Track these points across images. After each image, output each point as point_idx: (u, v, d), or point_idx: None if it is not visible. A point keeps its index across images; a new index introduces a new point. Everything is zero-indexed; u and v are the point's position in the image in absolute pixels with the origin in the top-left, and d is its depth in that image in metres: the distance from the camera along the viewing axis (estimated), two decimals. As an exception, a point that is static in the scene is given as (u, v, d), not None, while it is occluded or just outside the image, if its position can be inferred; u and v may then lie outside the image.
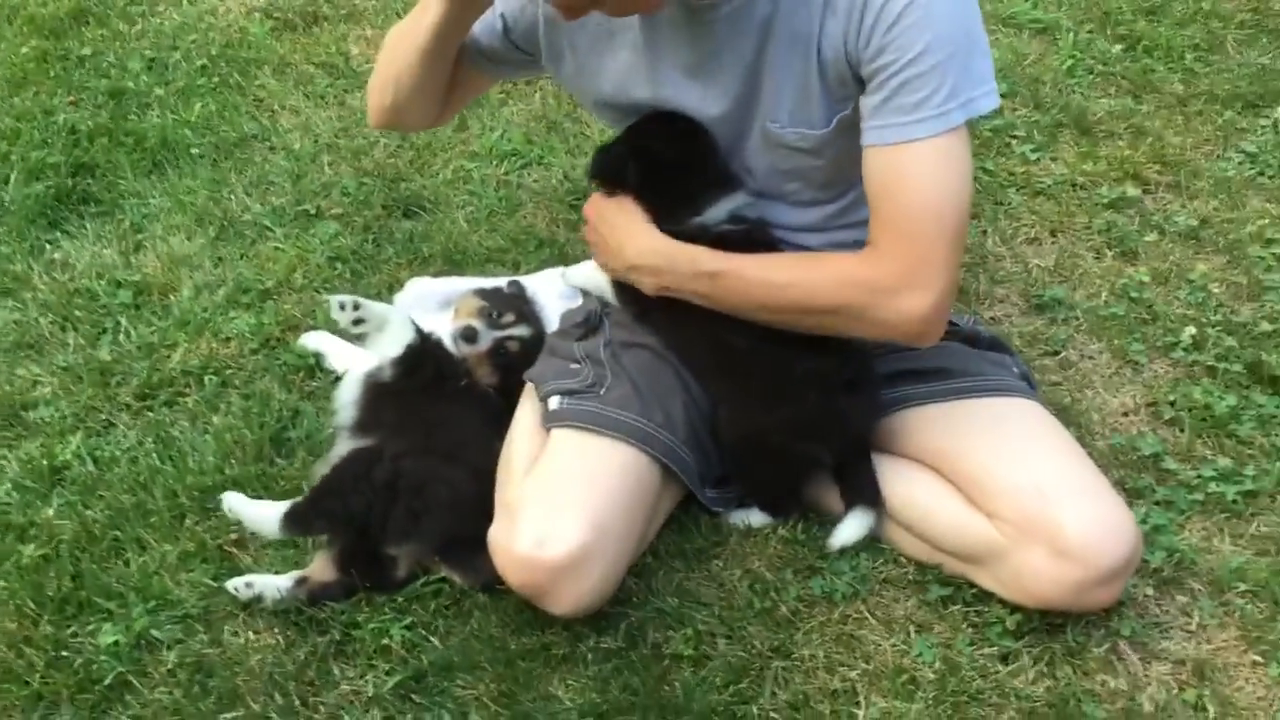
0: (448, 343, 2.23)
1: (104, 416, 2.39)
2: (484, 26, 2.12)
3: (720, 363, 2.07)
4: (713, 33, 1.89)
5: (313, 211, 2.93)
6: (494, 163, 3.10)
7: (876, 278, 1.85)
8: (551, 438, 2.03)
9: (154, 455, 2.28)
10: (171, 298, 2.67)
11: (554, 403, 2.06)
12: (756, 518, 2.18)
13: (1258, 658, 2.00)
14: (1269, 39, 3.65)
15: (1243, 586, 2.10)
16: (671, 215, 2.01)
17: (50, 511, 2.18)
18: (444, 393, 2.18)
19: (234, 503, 2.11)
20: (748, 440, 2.08)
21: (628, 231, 2.02)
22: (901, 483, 2.07)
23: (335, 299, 2.16)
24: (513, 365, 2.23)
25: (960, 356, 2.17)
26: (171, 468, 2.26)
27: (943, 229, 1.82)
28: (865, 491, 2.06)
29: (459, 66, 2.16)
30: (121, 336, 2.57)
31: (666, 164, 2.00)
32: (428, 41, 2.01)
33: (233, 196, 2.98)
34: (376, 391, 2.19)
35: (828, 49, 1.83)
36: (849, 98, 1.88)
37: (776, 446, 2.07)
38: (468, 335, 2.22)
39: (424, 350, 2.19)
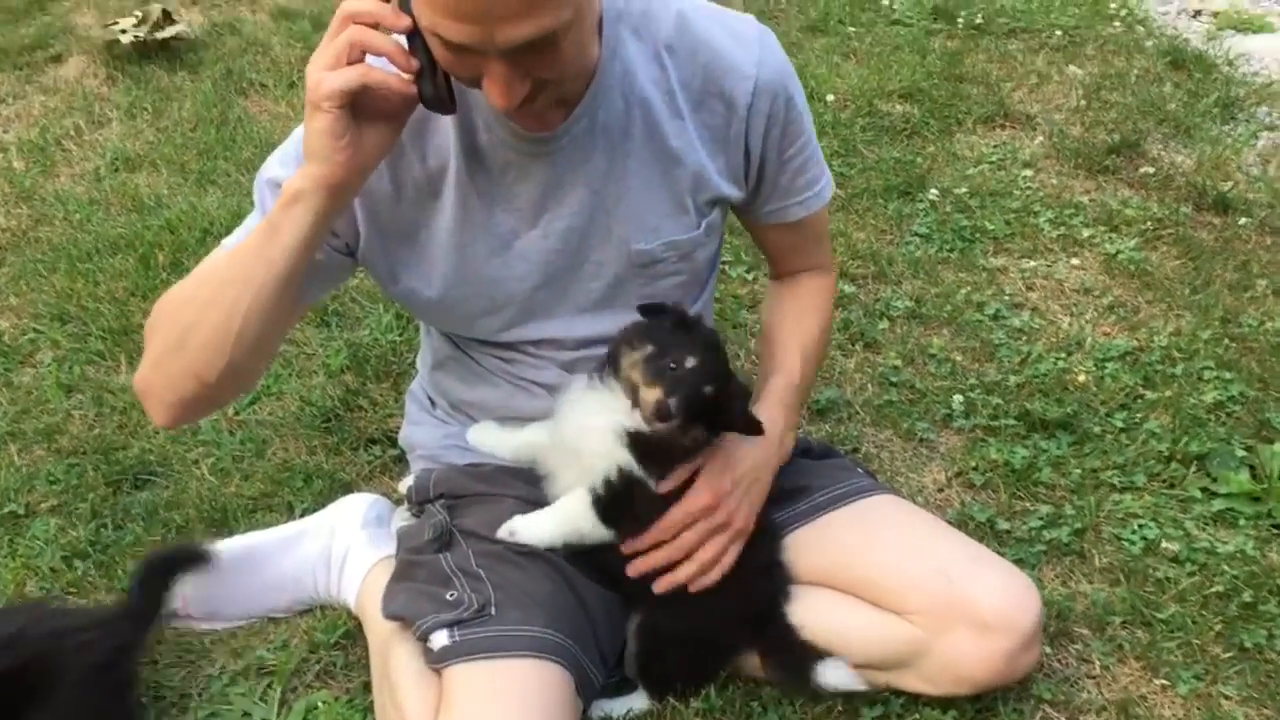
0: None
1: None
2: None
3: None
4: (553, 163, 1.81)
5: (21, 511, 2.48)
6: (218, 405, 2.78)
7: (833, 282, 2.27)
8: (450, 678, 1.77)
9: None
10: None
11: (440, 639, 1.80)
12: (640, 702, 2.02)
13: (1164, 681, 2.08)
14: (889, 136, 4.04)
15: (1118, 620, 2.19)
16: None
17: None
18: None
19: None
20: (689, 637, 1.95)
21: (761, 462, 1.98)
22: (803, 610, 1.98)
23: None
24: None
25: (810, 472, 2.15)
26: None
27: None
28: (810, 646, 1.95)
29: None
30: None
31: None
32: (290, 261, 1.67)
33: (-90, 518, 2.47)
34: None
35: (699, 158, 1.88)
36: (716, 203, 1.95)
37: (720, 638, 1.97)
38: None
39: None
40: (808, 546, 2.03)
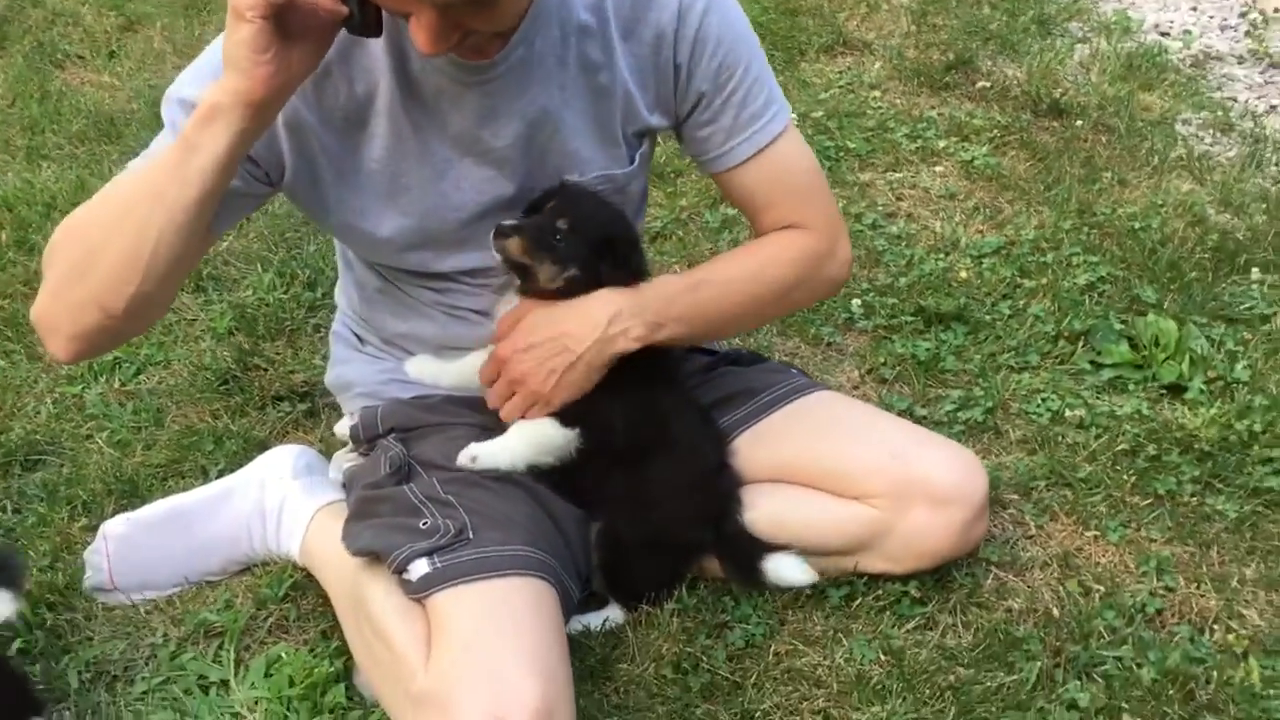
0: None
1: None
2: None
3: (619, 472, 1.94)
4: (488, 92, 1.76)
5: (-99, 506, 2.28)
6: (101, 379, 2.62)
7: (816, 243, 1.99)
8: (436, 606, 1.71)
9: None
10: None
11: (420, 567, 1.74)
12: (616, 613, 2.03)
13: (1095, 532, 2.21)
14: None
15: (1041, 484, 2.31)
16: None
17: None
18: None
19: None
20: (650, 541, 1.96)
21: (581, 309, 1.84)
22: (766, 505, 2.01)
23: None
24: None
25: (748, 376, 2.18)
26: None
27: (824, 183, 2.05)
28: (760, 543, 1.99)
29: None
30: None
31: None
32: (207, 182, 1.57)
33: None
34: None
35: (629, 89, 1.84)
36: (645, 134, 1.92)
37: (679, 541, 1.99)
38: None
39: None
40: (760, 445, 2.06)
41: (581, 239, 1.81)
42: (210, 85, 1.58)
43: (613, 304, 1.85)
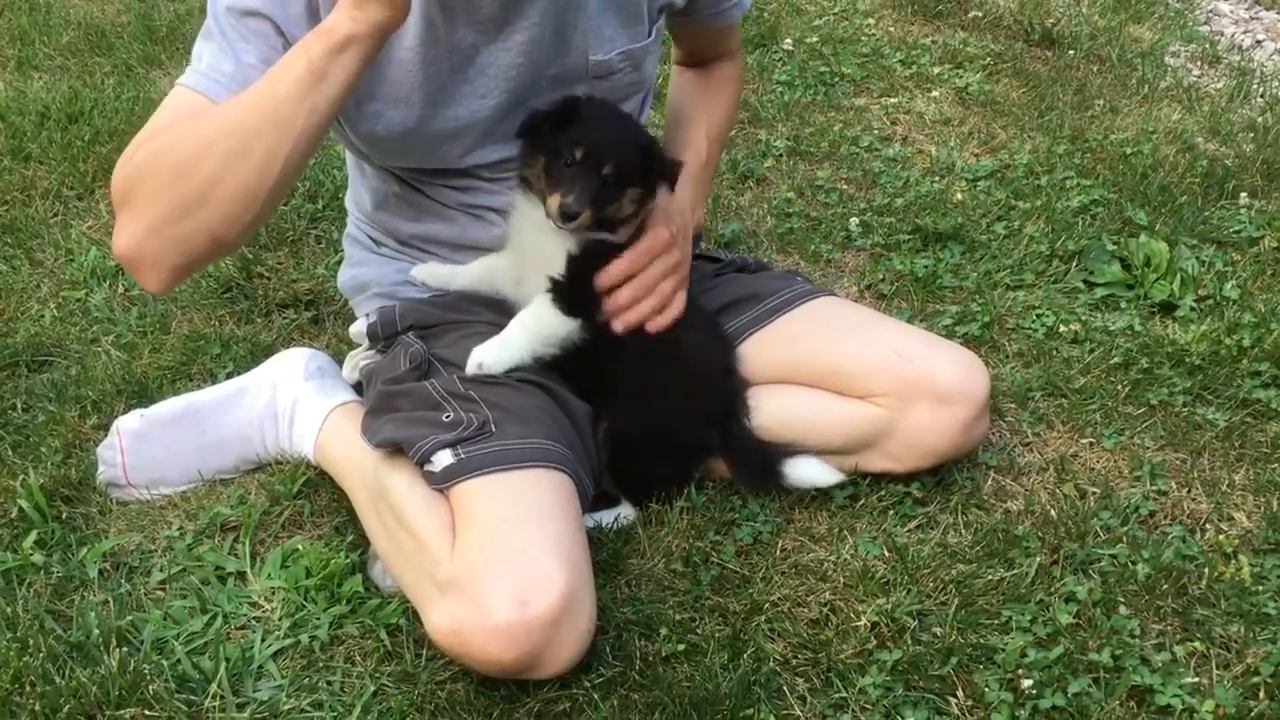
0: None
1: None
2: None
3: (630, 366, 1.98)
4: None
5: (-92, 405, 2.29)
6: (105, 283, 2.62)
7: (739, 70, 2.37)
8: (461, 496, 1.75)
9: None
10: None
11: (444, 458, 1.77)
12: (627, 510, 2.07)
13: (1090, 440, 2.27)
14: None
15: (1038, 394, 2.37)
16: None
17: None
18: None
19: None
20: (656, 439, 2.00)
21: (684, 226, 2.06)
22: (773, 405, 2.06)
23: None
24: None
25: (757, 282, 2.23)
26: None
27: None
28: (770, 445, 2.04)
29: None
30: None
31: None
32: (334, 109, 1.66)
33: None
34: None
35: None
36: (664, 9, 2.02)
37: (685, 440, 2.03)
38: None
39: None
40: (768, 347, 2.10)
41: (627, 173, 1.85)
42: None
43: (686, 197, 2.07)
